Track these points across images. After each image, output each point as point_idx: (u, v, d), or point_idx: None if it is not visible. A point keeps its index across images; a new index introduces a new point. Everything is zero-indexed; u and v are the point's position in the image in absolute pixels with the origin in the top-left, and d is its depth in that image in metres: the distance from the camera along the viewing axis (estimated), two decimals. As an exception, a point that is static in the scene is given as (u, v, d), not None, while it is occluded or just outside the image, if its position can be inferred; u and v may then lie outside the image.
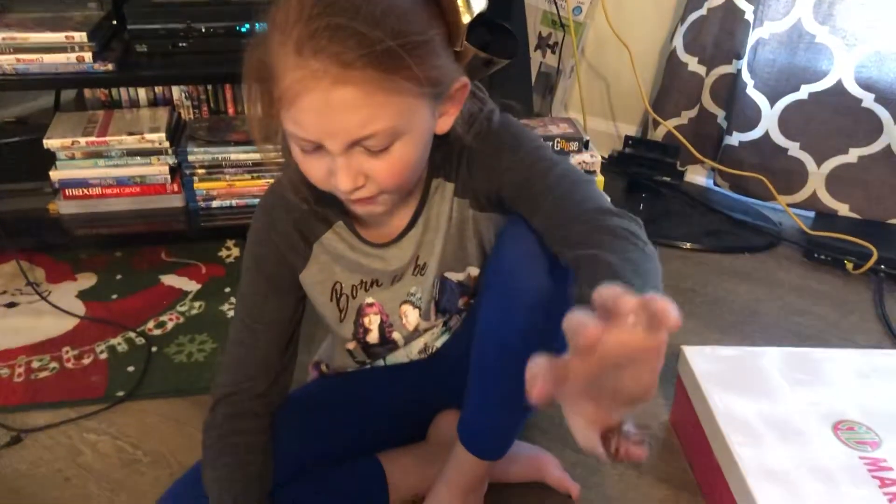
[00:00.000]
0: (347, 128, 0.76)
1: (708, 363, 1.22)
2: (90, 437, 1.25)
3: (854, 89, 1.76)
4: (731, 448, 1.06)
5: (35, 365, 1.39)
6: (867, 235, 1.75)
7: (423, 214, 0.96)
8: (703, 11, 1.86)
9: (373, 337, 1.05)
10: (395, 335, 1.05)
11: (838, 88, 1.77)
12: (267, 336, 0.99)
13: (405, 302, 1.02)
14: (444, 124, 0.87)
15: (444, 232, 0.96)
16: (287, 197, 0.94)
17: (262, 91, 0.82)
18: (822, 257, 1.76)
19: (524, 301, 0.87)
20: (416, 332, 1.06)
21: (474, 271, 1.00)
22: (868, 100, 1.76)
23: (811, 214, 1.89)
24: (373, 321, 1.03)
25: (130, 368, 1.39)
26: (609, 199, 0.88)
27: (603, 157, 1.96)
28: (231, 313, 1.53)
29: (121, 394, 1.33)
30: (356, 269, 1.00)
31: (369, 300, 1.02)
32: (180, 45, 1.60)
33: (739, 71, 1.85)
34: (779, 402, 1.15)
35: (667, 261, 1.79)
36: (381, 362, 1.11)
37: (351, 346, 1.08)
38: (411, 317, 1.03)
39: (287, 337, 1.01)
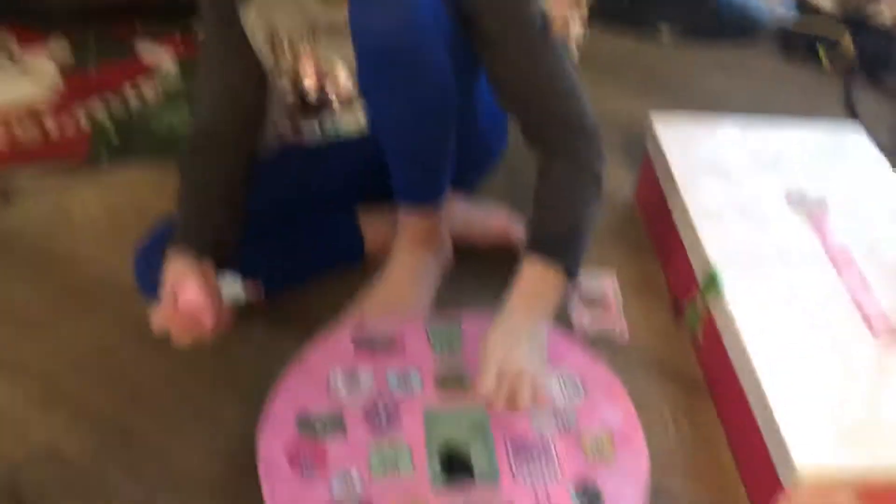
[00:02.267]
0: None
1: (674, 131, 1.27)
2: (78, 197, 1.30)
3: None
4: (685, 199, 1.13)
5: (17, 130, 1.41)
6: (846, 30, 1.76)
7: None
8: None
9: (309, 86, 1.06)
10: (331, 94, 1.07)
11: None
12: (233, 66, 1.00)
13: (340, 60, 1.03)
14: None
15: None
16: None
17: None
18: (800, 50, 1.77)
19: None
20: (350, 100, 1.08)
21: None
22: None
23: (792, 8, 1.89)
24: (307, 71, 1.04)
25: (112, 134, 1.42)
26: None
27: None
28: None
29: (104, 158, 1.37)
30: (296, 14, 1.00)
31: (306, 49, 1.02)
32: None
33: None
34: (738, 168, 1.21)
35: (646, 49, 1.80)
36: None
37: (290, 100, 1.09)
38: (342, 77, 1.05)
39: (255, 71, 1.01)
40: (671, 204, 1.18)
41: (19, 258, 1.18)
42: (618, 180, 1.41)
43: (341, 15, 0.95)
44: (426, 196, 1.08)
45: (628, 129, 1.52)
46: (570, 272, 0.91)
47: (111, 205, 1.29)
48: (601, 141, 0.96)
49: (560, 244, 0.91)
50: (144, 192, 1.32)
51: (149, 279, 0.99)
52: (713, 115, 1.55)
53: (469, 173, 1.23)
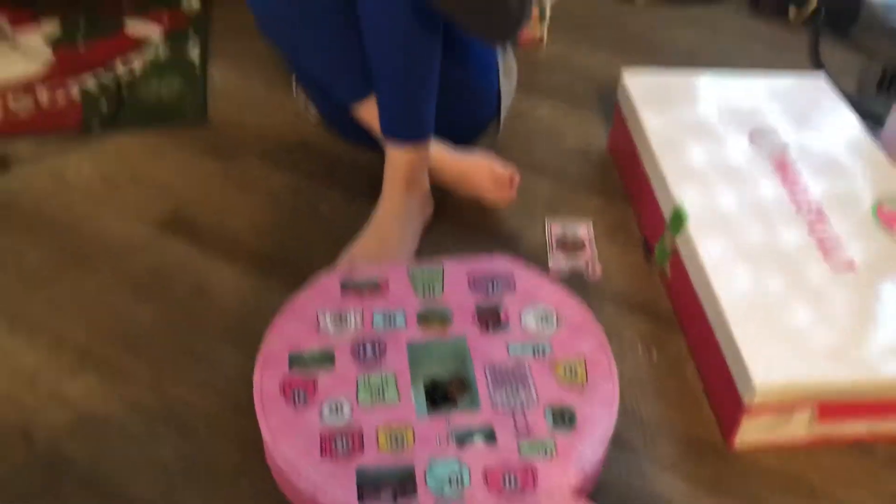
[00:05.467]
0: None
1: (643, 86, 1.32)
2: (72, 163, 1.35)
3: None
4: (656, 154, 1.19)
5: (11, 102, 1.46)
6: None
7: None
8: None
9: None
10: None
11: None
12: None
13: None
14: None
15: None
16: None
17: None
18: (768, 6, 1.83)
19: None
20: None
21: None
22: None
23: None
24: None
25: (104, 107, 1.46)
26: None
27: None
28: (197, 59, 1.59)
29: (97, 126, 1.41)
30: None
31: None
32: None
33: None
34: (703, 116, 1.27)
35: (619, 12, 1.85)
36: None
37: None
38: None
39: None
40: (640, 152, 1.24)
41: (19, 220, 1.23)
42: (593, 133, 1.46)
43: None
44: (411, 132, 1.14)
45: (602, 84, 1.58)
46: None
47: (104, 169, 1.34)
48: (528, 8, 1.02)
49: None
50: (136, 157, 1.37)
51: None
52: (683, 70, 1.61)
53: (458, 130, 1.29)
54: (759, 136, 1.23)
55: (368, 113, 1.18)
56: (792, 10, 1.79)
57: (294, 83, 1.42)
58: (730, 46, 1.73)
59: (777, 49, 1.72)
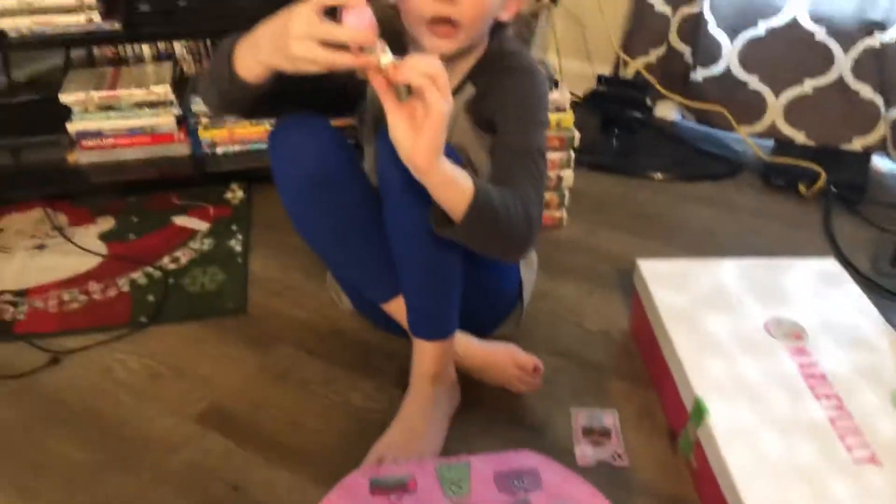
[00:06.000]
0: None
1: (657, 273, 1.38)
2: (119, 356, 1.43)
3: (807, 23, 1.89)
4: (672, 339, 1.23)
5: (66, 298, 1.56)
6: (821, 161, 1.90)
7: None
8: (667, -46, 1.99)
9: None
10: None
11: (793, 23, 1.90)
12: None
13: None
14: (507, 12, 1.14)
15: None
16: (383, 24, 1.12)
17: None
18: (779, 182, 1.91)
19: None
20: None
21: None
22: (820, 33, 1.89)
23: (770, 143, 2.04)
24: None
25: (150, 298, 1.56)
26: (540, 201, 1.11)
27: (578, 97, 2.10)
28: (238, 248, 1.70)
29: (144, 320, 1.50)
30: None
31: None
32: (180, 3, 1.73)
33: (702, 10, 1.97)
34: (720, 305, 1.31)
35: (637, 190, 1.94)
36: None
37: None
38: None
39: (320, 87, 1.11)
40: (659, 339, 1.28)
41: (68, 417, 1.30)
42: (615, 314, 1.51)
43: None
44: (437, 332, 1.21)
45: (621, 264, 1.64)
46: None
47: (149, 363, 1.41)
48: (535, 229, 1.07)
49: None
50: (179, 349, 1.44)
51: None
52: (701, 250, 1.68)
53: (481, 318, 1.35)
54: (774, 323, 1.27)
55: (398, 309, 1.25)
56: (802, 186, 1.86)
57: (328, 276, 1.51)
58: (747, 223, 1.80)
59: (791, 223, 1.79)
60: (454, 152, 1.05)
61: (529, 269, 1.41)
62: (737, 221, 1.81)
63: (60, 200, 1.86)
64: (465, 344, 1.31)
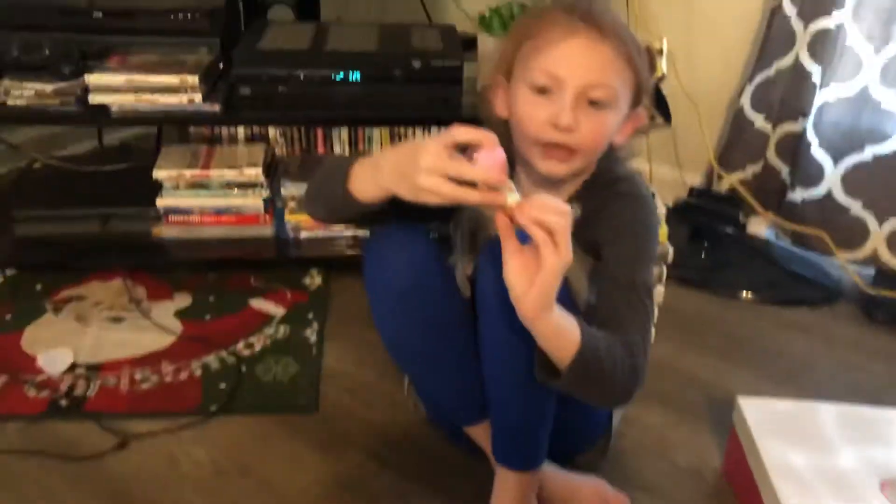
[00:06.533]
0: (593, 69, 1.01)
1: (762, 415, 1.29)
2: (186, 446, 1.38)
3: (917, 152, 1.82)
4: (780, 499, 1.13)
5: (138, 377, 1.54)
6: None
7: None
8: (770, 72, 1.94)
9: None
10: None
11: (902, 150, 1.84)
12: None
13: None
14: (621, 135, 1.10)
15: None
16: None
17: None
18: (880, 316, 1.80)
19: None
20: None
21: None
22: (929, 162, 1.81)
23: (871, 272, 1.94)
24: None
25: (222, 385, 1.52)
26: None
27: (667, 206, 2.04)
28: (313, 338, 1.66)
29: (214, 408, 1.46)
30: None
31: None
32: (280, 89, 1.74)
33: (805, 130, 1.91)
34: (830, 458, 1.21)
35: (726, 310, 1.86)
36: None
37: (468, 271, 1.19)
38: None
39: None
40: (763, 495, 1.18)
41: (130, 510, 1.25)
42: (706, 450, 1.42)
43: None
44: (525, 462, 1.14)
45: (711, 393, 1.55)
46: None
47: (215, 456, 1.36)
48: (640, 380, 1.02)
49: None
50: (247, 444, 1.39)
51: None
52: (797, 384, 1.58)
53: (567, 443, 1.27)
54: (891, 485, 1.16)
55: (481, 434, 1.19)
56: (906, 322, 1.76)
57: (407, 381, 1.45)
58: (846, 359, 1.69)
59: (893, 361, 1.68)
60: (567, 294, 1.01)
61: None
62: (835, 355, 1.70)
63: (141, 272, 1.85)
64: (550, 473, 1.23)
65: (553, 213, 0.85)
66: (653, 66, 1.11)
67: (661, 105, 1.10)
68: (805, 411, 1.31)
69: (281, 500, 1.28)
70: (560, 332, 0.93)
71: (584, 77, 1.00)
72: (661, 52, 1.20)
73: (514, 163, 1.16)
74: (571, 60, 1.01)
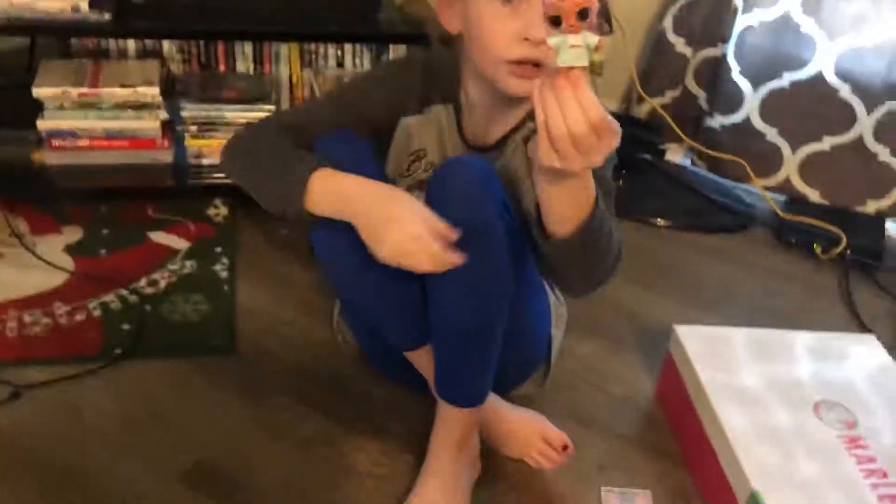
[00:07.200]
0: None
1: (698, 342, 1.28)
2: (89, 395, 1.26)
3: (832, 80, 1.83)
4: (720, 418, 1.13)
5: (27, 319, 1.38)
6: (835, 221, 1.84)
7: (512, 139, 1.09)
8: (693, -6, 1.91)
9: None
10: None
11: (818, 78, 1.84)
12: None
13: None
14: None
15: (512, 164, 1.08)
16: (432, 62, 1.12)
17: None
18: (793, 241, 1.84)
19: None
20: None
21: None
22: (845, 90, 1.83)
23: (783, 198, 1.97)
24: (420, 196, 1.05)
25: (125, 326, 1.39)
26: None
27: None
28: (224, 274, 1.54)
29: (118, 352, 1.33)
30: (438, 151, 1.12)
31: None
32: (176, -3, 1.56)
33: (724, 55, 1.90)
34: (762, 379, 1.22)
35: (646, 238, 1.85)
36: None
37: None
38: None
39: None
40: (705, 423, 1.18)
41: (28, 465, 1.13)
42: (638, 378, 1.41)
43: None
44: (470, 398, 1.09)
45: (639, 321, 1.55)
46: None
47: (123, 407, 1.24)
48: (621, 263, 1.04)
49: None
50: (159, 391, 1.28)
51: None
52: (721, 310, 1.59)
53: (506, 376, 1.22)
54: (825, 407, 1.18)
55: (423, 360, 1.12)
56: (818, 246, 1.80)
57: (336, 312, 1.36)
58: (764, 283, 1.72)
59: (809, 286, 1.72)
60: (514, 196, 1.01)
61: (559, 329, 1.29)
62: (753, 280, 1.73)
63: (22, 204, 1.66)
64: (495, 408, 1.18)
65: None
66: None
67: (604, 13, 1.04)
68: (737, 336, 1.32)
69: (201, 451, 1.18)
70: (590, 184, 0.90)
71: None
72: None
73: (463, 82, 1.10)
74: None
